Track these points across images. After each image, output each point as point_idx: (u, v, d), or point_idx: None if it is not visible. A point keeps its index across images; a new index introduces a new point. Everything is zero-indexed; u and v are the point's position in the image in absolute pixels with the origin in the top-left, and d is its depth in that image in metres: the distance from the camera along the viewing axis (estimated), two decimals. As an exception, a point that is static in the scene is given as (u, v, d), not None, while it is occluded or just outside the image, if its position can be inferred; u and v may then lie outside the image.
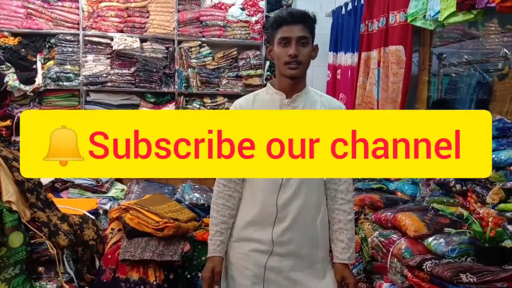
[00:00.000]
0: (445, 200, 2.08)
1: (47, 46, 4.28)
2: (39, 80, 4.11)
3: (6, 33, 4.15)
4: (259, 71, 4.49)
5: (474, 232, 1.64)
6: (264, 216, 1.52)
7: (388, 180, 2.62)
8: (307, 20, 1.52)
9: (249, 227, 1.54)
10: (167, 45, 4.42)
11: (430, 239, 1.74)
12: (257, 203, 1.53)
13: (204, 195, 2.69)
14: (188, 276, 2.21)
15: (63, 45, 4.24)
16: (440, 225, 1.83)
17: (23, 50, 4.16)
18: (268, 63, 4.57)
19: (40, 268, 1.96)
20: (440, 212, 2.02)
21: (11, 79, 3.99)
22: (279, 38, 1.50)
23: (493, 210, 1.72)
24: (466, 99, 3.08)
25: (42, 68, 4.19)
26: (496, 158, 1.78)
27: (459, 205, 1.98)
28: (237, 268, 1.55)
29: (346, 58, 4.21)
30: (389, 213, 2.05)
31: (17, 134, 4.15)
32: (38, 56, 4.23)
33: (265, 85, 1.67)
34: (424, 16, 2.82)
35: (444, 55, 3.33)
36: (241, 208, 1.58)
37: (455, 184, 2.00)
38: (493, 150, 1.83)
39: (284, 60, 1.49)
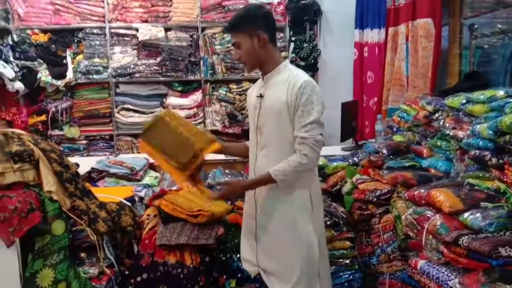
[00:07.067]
0: (481, 175, 2.02)
1: (75, 40, 4.39)
2: (70, 74, 4.24)
3: (36, 30, 4.28)
4: (283, 54, 4.45)
5: (512, 205, 1.60)
6: None
7: (421, 157, 2.57)
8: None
9: None
10: (191, 33, 4.45)
11: (466, 214, 1.70)
12: None
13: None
14: (223, 258, 2.26)
15: (91, 38, 4.34)
16: (476, 200, 1.78)
17: (53, 46, 4.29)
18: (292, 45, 4.52)
19: (82, 254, 2.05)
20: (476, 187, 1.96)
21: (44, 75, 4.13)
22: None
23: (532, 182, 1.67)
24: (500, 71, 2.95)
25: (72, 62, 4.32)
26: (534, 129, 1.71)
27: (495, 179, 1.91)
28: None
29: (373, 35, 4.12)
30: (422, 190, 2.01)
31: (53, 128, 4.30)
32: (68, 51, 4.35)
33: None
34: (454, -14, 2.72)
35: (476, 26, 3.20)
36: None
37: (491, 158, 1.94)
38: (531, 121, 1.77)
39: None
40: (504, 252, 1.40)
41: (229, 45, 4.43)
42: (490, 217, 1.62)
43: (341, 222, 2.37)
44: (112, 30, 4.36)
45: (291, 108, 1.72)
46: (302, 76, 1.76)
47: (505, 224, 1.60)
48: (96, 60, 4.35)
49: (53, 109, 4.24)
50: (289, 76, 1.77)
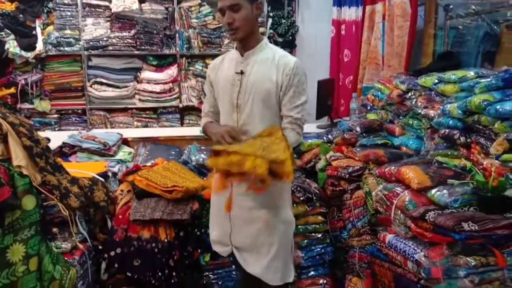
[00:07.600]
0: (449, 153, 2.08)
1: (45, 11, 4.22)
2: (40, 46, 4.09)
3: (3, -1, 4.08)
4: (261, 29, 4.40)
5: (477, 182, 1.66)
6: None
7: (393, 135, 2.62)
8: None
9: None
10: (166, 5, 4.34)
11: (434, 190, 1.76)
12: None
13: (210, 156, 2.71)
14: (198, 233, 2.28)
15: (62, 9, 4.19)
16: (443, 177, 1.84)
17: (21, 16, 4.11)
18: (270, 20, 4.47)
19: (54, 229, 2.02)
20: (444, 165, 2.04)
21: (12, 46, 3.97)
22: (218, 9, 1.70)
23: (496, 161, 1.73)
24: (473, 52, 3.01)
25: (42, 33, 4.16)
26: (501, 109, 1.77)
27: (463, 157, 1.98)
28: None
29: (351, 13, 4.12)
30: (393, 167, 2.06)
31: (23, 101, 4.17)
32: (37, 22, 4.18)
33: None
34: (430, -35, 2.73)
35: (451, 7, 3.23)
36: None
37: (459, 137, 2.00)
38: (498, 101, 1.82)
39: (225, 28, 1.73)
40: (467, 227, 1.46)
41: (206, 19, 4.36)
42: (456, 194, 1.68)
43: (314, 198, 2.42)
44: (84, 1, 4.21)
45: (282, 88, 1.72)
46: (291, 56, 1.77)
47: (469, 200, 1.67)
48: (68, 31, 4.20)
49: (23, 81, 4.10)
50: (274, 55, 1.74)
